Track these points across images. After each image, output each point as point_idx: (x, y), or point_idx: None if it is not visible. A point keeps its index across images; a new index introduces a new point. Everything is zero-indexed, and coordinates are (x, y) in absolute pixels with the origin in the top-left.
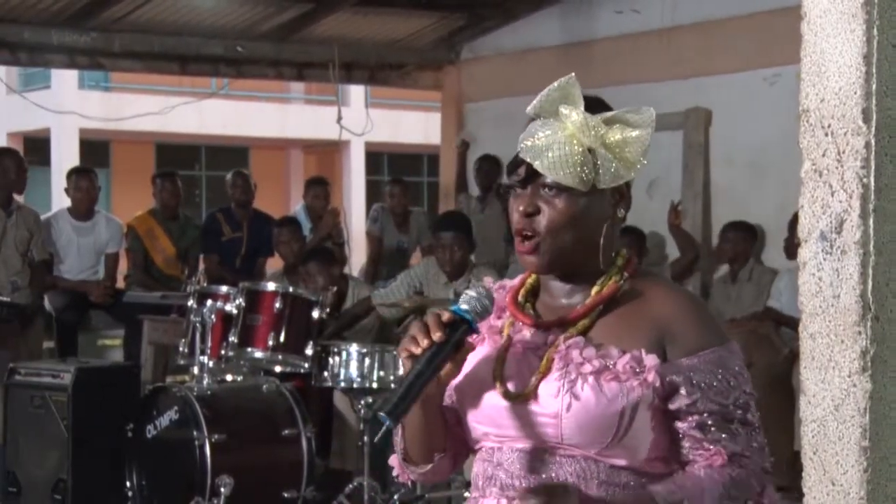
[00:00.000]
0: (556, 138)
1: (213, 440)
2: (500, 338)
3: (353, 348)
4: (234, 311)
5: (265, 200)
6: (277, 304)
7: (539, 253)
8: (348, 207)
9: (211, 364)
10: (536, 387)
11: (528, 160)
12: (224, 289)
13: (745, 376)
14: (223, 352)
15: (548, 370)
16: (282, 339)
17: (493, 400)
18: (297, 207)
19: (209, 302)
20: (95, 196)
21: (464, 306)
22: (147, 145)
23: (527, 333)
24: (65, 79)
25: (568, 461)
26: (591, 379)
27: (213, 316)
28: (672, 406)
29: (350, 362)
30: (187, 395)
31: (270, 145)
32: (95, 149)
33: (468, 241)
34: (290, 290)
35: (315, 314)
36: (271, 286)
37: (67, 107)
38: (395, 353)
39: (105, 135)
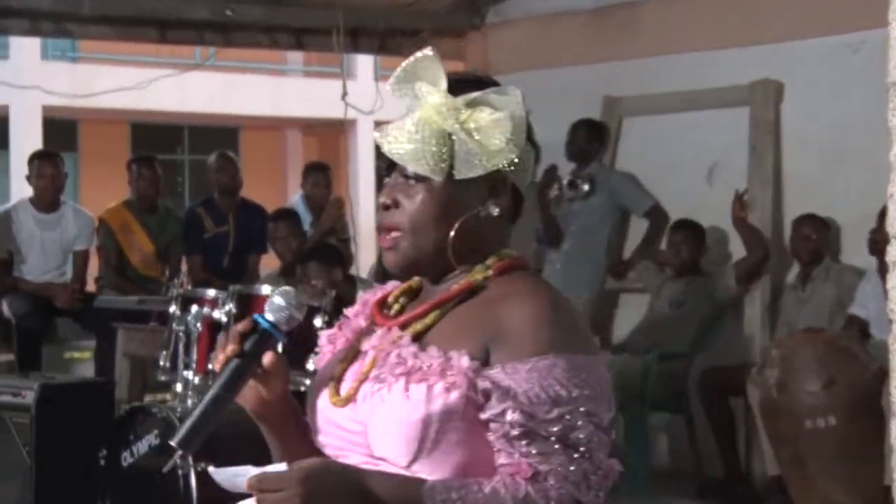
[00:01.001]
0: (411, 121)
1: (199, 469)
2: (356, 339)
3: None
4: (224, 319)
5: (258, 189)
6: None
7: (396, 251)
8: (354, 197)
9: (197, 380)
10: (357, 389)
11: (382, 146)
12: (211, 293)
13: (588, 394)
14: (210, 366)
15: (369, 372)
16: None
17: (325, 406)
18: (294, 197)
19: (194, 308)
20: (62, 184)
21: (268, 315)
22: (121, 125)
23: (378, 335)
24: (25, 48)
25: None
26: (400, 381)
27: (198, 324)
28: (483, 416)
29: None
30: (169, 417)
31: (264, 125)
32: (61, 129)
33: None
34: None
35: (318, 322)
36: (266, 289)
37: (28, 80)
38: None
39: (72, 113)
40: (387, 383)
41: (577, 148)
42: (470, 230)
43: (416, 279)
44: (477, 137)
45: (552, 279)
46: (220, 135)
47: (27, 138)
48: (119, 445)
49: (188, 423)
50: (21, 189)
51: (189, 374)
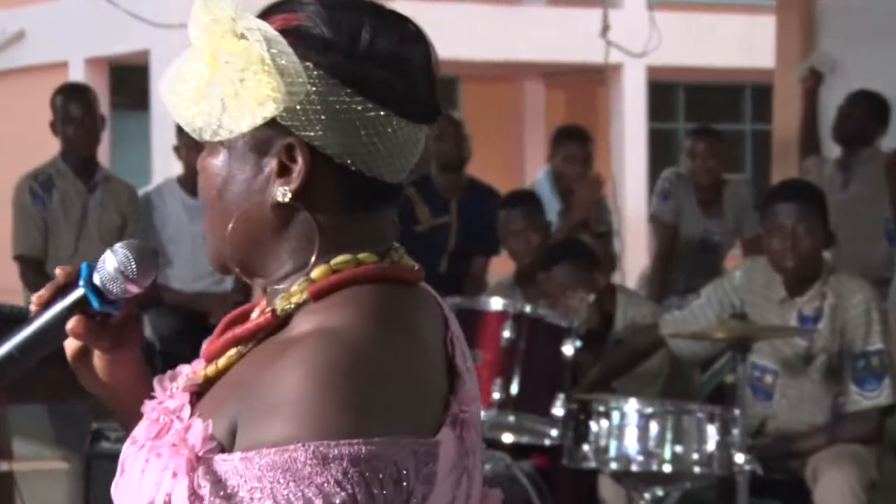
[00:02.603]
0: (189, 55)
1: None
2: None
3: (631, 407)
4: None
5: (484, 164)
6: (507, 333)
7: (206, 240)
8: (619, 174)
9: None
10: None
11: (162, 90)
12: None
13: (338, 502)
14: None
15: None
16: (514, 389)
17: None
18: (538, 176)
19: None
20: None
21: (96, 277)
22: None
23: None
24: None
25: None
26: (146, 447)
27: None
28: None
29: (625, 429)
30: None
31: (491, 74)
32: None
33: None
34: (528, 309)
35: (568, 350)
36: (497, 304)
37: (176, 17)
38: (698, 415)
39: None
40: (136, 446)
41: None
42: (251, 223)
43: None
44: (239, 82)
45: None
46: None
47: None
48: None
49: None
50: (166, 166)
51: None
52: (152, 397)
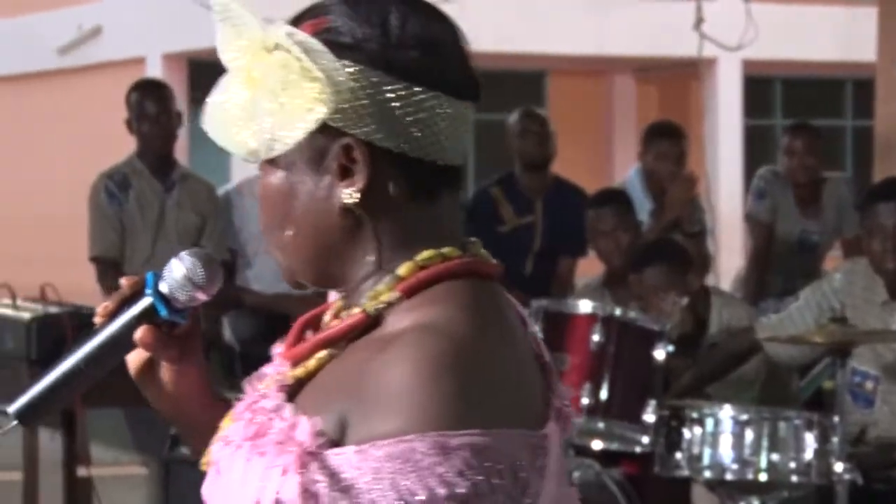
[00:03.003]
0: (228, 81)
1: None
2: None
3: (726, 413)
4: None
5: (572, 161)
6: (596, 337)
7: (278, 262)
8: (713, 172)
9: None
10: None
11: (206, 124)
12: None
13: (463, 492)
14: None
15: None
16: (603, 394)
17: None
18: (628, 174)
19: None
20: None
21: (162, 285)
22: None
23: (267, 373)
24: None
25: None
26: (245, 447)
27: None
28: None
29: (720, 437)
30: None
31: (580, 68)
32: None
33: None
34: (618, 312)
35: (659, 354)
36: (586, 306)
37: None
38: (795, 422)
39: None
40: (231, 447)
41: None
42: (321, 233)
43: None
44: (283, 94)
45: None
46: (518, 83)
47: None
48: None
49: (32, 392)
50: (244, 164)
51: None
52: (223, 405)
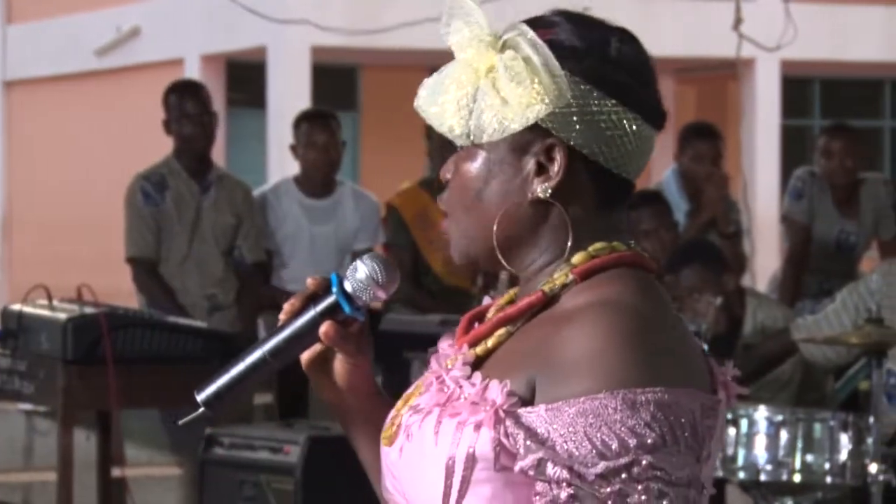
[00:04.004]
0: (445, 70)
1: None
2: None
3: (761, 414)
4: None
5: None
6: None
7: (451, 242)
8: (750, 172)
9: None
10: (398, 423)
11: (420, 101)
12: None
13: (652, 442)
14: None
15: (411, 401)
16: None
17: (382, 448)
18: (665, 174)
19: None
20: (338, 157)
21: (346, 283)
22: (418, 72)
23: (443, 357)
24: None
25: None
26: (434, 413)
27: None
28: (515, 467)
29: (755, 438)
30: None
31: None
32: (337, 79)
33: None
34: None
35: None
36: None
37: (294, 13)
38: (830, 423)
39: (352, 56)
40: (421, 414)
41: None
42: (512, 217)
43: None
44: (503, 87)
45: None
46: None
47: (291, 92)
48: None
49: (220, 381)
50: (282, 164)
51: None
52: (382, 398)
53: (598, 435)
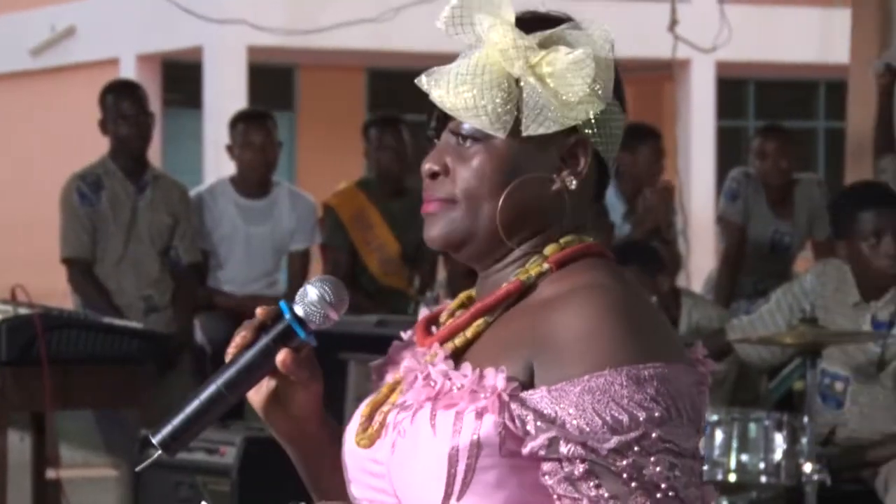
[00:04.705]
0: (468, 63)
1: None
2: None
3: None
4: None
5: None
6: None
7: (442, 219)
8: (685, 173)
9: None
10: (381, 423)
11: (430, 94)
12: None
13: (659, 416)
14: None
15: (393, 400)
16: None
17: (352, 449)
18: None
19: None
20: (275, 158)
21: (297, 308)
22: (355, 73)
23: (413, 356)
24: None
25: None
26: (426, 407)
27: None
28: (524, 449)
29: None
30: None
31: None
32: (274, 79)
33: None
34: None
35: None
36: None
37: (231, 13)
38: (765, 423)
39: (289, 56)
40: (411, 411)
41: None
42: (530, 203)
43: (472, 291)
44: (551, 84)
45: None
46: None
47: (227, 93)
48: None
49: (175, 421)
50: (218, 165)
51: None
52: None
53: (608, 411)
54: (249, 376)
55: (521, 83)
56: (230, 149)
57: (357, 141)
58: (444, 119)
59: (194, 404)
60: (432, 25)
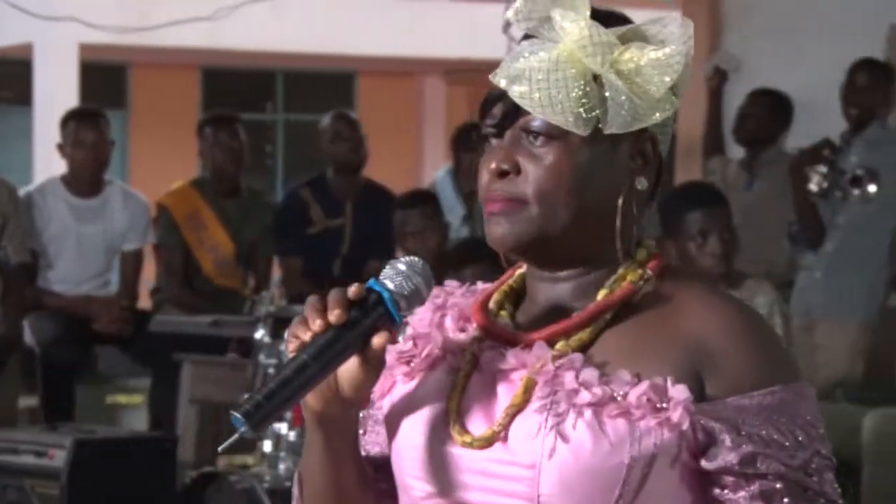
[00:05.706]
0: (546, 59)
1: None
2: (462, 358)
3: None
4: None
5: (382, 163)
6: None
7: (515, 220)
8: None
9: (293, 436)
10: (508, 424)
11: (510, 90)
12: None
13: (822, 432)
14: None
15: (526, 401)
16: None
17: (443, 445)
18: (437, 175)
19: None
20: (107, 156)
21: (388, 283)
22: (189, 71)
23: (500, 352)
24: None
25: None
26: (587, 413)
27: None
28: (710, 464)
29: None
30: (253, 488)
31: (390, 69)
32: (106, 78)
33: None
34: None
35: None
36: None
37: (61, 10)
38: None
39: (122, 54)
40: (567, 416)
41: (855, 100)
42: (608, 204)
43: (517, 276)
44: (637, 80)
45: (809, 293)
46: (328, 84)
47: (58, 90)
48: None
49: (263, 393)
50: (49, 163)
51: (283, 428)
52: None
53: (787, 428)
54: (342, 353)
55: (602, 79)
56: (61, 147)
57: (191, 140)
58: (510, 117)
59: (283, 378)
60: (267, 24)
